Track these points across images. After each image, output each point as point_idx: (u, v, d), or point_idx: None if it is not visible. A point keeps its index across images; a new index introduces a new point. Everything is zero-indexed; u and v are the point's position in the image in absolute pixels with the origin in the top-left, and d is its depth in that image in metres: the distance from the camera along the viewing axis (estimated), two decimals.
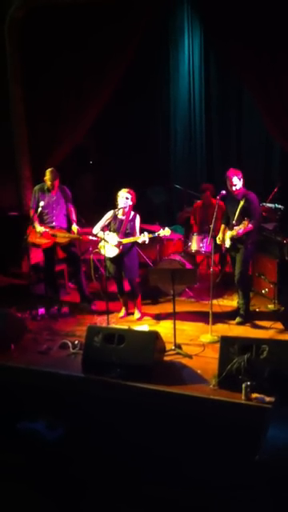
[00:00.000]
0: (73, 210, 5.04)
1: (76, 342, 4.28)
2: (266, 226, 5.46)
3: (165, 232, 4.60)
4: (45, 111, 6.25)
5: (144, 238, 4.51)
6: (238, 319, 4.68)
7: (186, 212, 6.62)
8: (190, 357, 4.06)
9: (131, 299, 4.97)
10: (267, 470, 2.61)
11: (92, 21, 5.77)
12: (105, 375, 3.71)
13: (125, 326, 4.38)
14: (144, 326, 4.57)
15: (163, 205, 7.64)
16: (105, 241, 4.65)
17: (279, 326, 4.54)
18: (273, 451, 2.63)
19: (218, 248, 4.90)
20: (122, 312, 4.98)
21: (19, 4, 5.85)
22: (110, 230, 4.71)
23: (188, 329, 4.61)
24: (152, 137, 7.81)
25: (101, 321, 4.80)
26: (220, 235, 4.71)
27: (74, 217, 5.02)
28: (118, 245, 4.61)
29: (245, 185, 4.58)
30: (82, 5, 5.70)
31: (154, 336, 3.87)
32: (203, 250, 5.33)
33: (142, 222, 4.81)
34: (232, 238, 4.53)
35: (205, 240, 5.29)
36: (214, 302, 4.52)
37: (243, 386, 3.39)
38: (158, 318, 4.92)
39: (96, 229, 4.72)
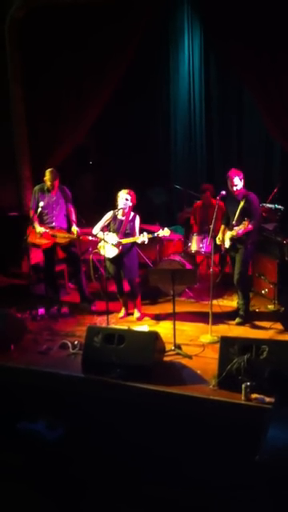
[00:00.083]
0: (73, 210, 5.04)
1: (76, 343, 4.28)
2: (266, 227, 5.46)
3: (164, 232, 4.61)
4: (45, 111, 6.25)
5: (143, 238, 4.52)
6: (237, 319, 4.68)
7: (186, 212, 6.63)
8: (189, 357, 4.07)
9: (131, 299, 4.97)
10: (267, 470, 2.62)
11: (92, 21, 5.77)
12: (105, 375, 3.71)
13: (124, 327, 4.38)
14: (144, 327, 4.57)
15: (163, 205, 7.64)
16: (104, 241, 4.65)
17: (279, 326, 4.55)
18: (273, 451, 2.64)
19: (217, 248, 4.91)
20: (122, 312, 4.99)
21: (19, 4, 5.86)
22: (109, 231, 4.71)
23: (188, 329, 4.62)
24: (152, 137, 7.81)
25: (101, 321, 4.81)
26: (220, 236, 4.71)
27: (73, 217, 5.02)
28: (118, 245, 4.61)
29: (245, 185, 4.58)
30: (82, 5, 5.71)
31: (154, 336, 3.88)
32: (203, 250, 5.33)
33: (142, 222, 4.81)
34: (232, 239, 4.54)
35: (205, 240, 5.29)
36: (214, 302, 4.52)
37: (243, 386, 3.39)
38: (158, 318, 4.92)
39: (96, 229, 4.72)
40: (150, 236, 4.55)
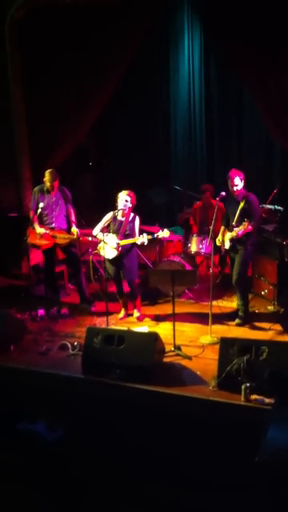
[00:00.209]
0: (72, 211, 5.05)
1: (75, 343, 4.29)
2: (266, 228, 5.46)
3: (164, 233, 4.61)
4: (45, 111, 6.26)
5: (143, 239, 4.52)
6: (237, 320, 4.69)
7: (185, 213, 6.63)
8: (189, 358, 4.08)
9: (131, 300, 4.98)
10: (267, 470, 2.63)
11: (92, 21, 5.77)
12: (104, 376, 3.72)
13: (124, 328, 4.39)
14: (143, 328, 4.57)
15: (164, 206, 7.64)
16: (104, 242, 4.66)
17: (279, 327, 4.55)
18: (273, 452, 2.65)
19: (217, 249, 4.91)
20: (122, 313, 4.99)
21: (20, 4, 5.86)
22: (109, 232, 4.72)
23: (187, 330, 4.62)
24: (152, 137, 7.81)
25: (100, 322, 4.82)
26: (220, 237, 4.72)
27: (73, 218, 5.02)
28: (117, 246, 4.62)
29: (245, 186, 4.58)
30: (82, 5, 5.71)
31: (154, 337, 3.88)
32: (203, 251, 5.33)
33: (142, 223, 4.82)
34: (232, 240, 4.54)
35: (204, 241, 5.29)
36: (214, 303, 4.52)
37: (243, 387, 3.40)
38: (158, 319, 4.93)
39: (96, 230, 4.73)
40: (150, 237, 4.55)
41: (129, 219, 4.70)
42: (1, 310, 4.61)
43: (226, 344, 3.65)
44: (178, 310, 4.64)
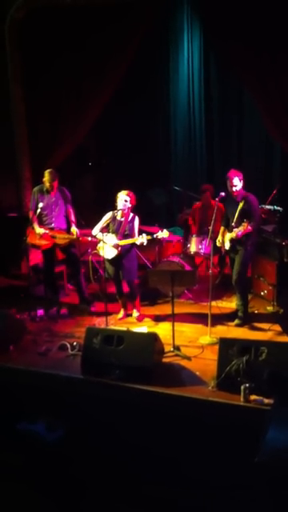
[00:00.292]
0: (72, 211, 5.05)
1: (75, 344, 4.29)
2: (266, 228, 5.46)
3: (163, 234, 4.62)
4: (45, 111, 6.26)
5: (142, 239, 4.53)
6: (236, 321, 4.69)
7: (185, 214, 6.64)
8: (188, 358, 4.08)
9: (130, 301, 4.99)
10: (267, 470, 2.64)
11: (92, 21, 5.77)
12: (104, 377, 3.73)
13: (124, 328, 4.39)
14: (143, 328, 4.58)
15: (164, 206, 7.64)
16: (103, 242, 4.66)
17: (278, 327, 4.56)
18: (273, 452, 2.65)
19: (217, 249, 4.92)
20: (121, 313, 5.00)
21: (20, 4, 5.86)
22: (108, 232, 4.72)
23: (187, 330, 4.63)
24: (152, 137, 7.80)
25: (100, 322, 4.82)
26: (219, 237, 4.72)
27: (73, 218, 5.03)
28: (116, 246, 4.63)
29: (245, 186, 4.59)
30: (82, 5, 5.70)
31: (153, 337, 3.89)
32: (202, 251, 5.33)
33: (141, 223, 4.82)
34: (231, 240, 4.55)
35: (204, 242, 5.30)
36: (213, 303, 4.53)
37: (242, 387, 3.40)
38: (157, 319, 4.93)
39: (95, 230, 4.74)
40: (149, 237, 4.56)
41: (128, 219, 4.71)
42: (0, 311, 4.61)
43: (225, 344, 3.66)
44: (178, 310, 4.65)
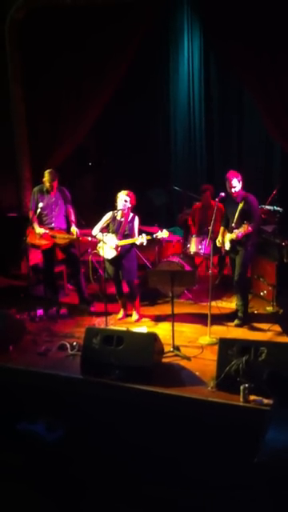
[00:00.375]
0: (72, 211, 5.06)
1: (74, 344, 4.29)
2: (265, 229, 5.46)
3: (163, 234, 4.62)
4: (45, 111, 6.26)
5: (142, 239, 4.53)
6: (236, 321, 4.70)
7: (185, 214, 6.64)
8: (188, 359, 4.08)
9: (130, 301, 4.99)
10: (267, 470, 2.64)
11: (92, 21, 5.77)
12: (103, 377, 3.73)
13: (123, 328, 4.39)
14: (142, 328, 4.58)
15: (164, 206, 7.65)
16: (103, 242, 4.67)
17: (278, 328, 4.57)
18: (272, 453, 2.66)
19: (217, 250, 4.92)
20: (121, 313, 5.00)
21: (20, 4, 5.86)
22: (108, 232, 4.73)
23: (186, 331, 4.63)
24: (152, 137, 7.80)
25: (99, 322, 4.82)
26: (219, 238, 4.73)
27: (73, 218, 5.03)
28: (116, 246, 4.63)
29: (245, 186, 4.59)
30: (82, 6, 5.70)
31: (153, 338, 3.89)
32: (202, 251, 5.34)
33: (141, 223, 4.83)
34: (232, 241, 4.55)
35: (204, 242, 5.30)
36: (213, 303, 4.53)
37: (241, 388, 3.41)
38: (157, 319, 4.94)
39: (95, 230, 4.74)
40: (149, 238, 4.56)
41: (128, 219, 4.71)
42: (0, 311, 4.61)
43: (225, 345, 3.67)
44: (177, 310, 4.65)
